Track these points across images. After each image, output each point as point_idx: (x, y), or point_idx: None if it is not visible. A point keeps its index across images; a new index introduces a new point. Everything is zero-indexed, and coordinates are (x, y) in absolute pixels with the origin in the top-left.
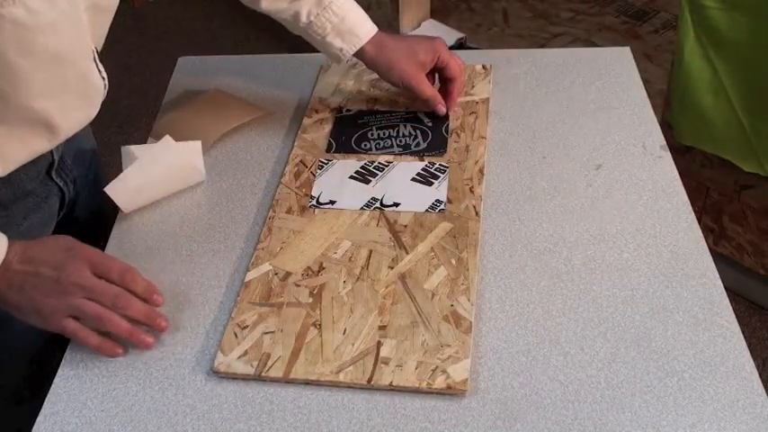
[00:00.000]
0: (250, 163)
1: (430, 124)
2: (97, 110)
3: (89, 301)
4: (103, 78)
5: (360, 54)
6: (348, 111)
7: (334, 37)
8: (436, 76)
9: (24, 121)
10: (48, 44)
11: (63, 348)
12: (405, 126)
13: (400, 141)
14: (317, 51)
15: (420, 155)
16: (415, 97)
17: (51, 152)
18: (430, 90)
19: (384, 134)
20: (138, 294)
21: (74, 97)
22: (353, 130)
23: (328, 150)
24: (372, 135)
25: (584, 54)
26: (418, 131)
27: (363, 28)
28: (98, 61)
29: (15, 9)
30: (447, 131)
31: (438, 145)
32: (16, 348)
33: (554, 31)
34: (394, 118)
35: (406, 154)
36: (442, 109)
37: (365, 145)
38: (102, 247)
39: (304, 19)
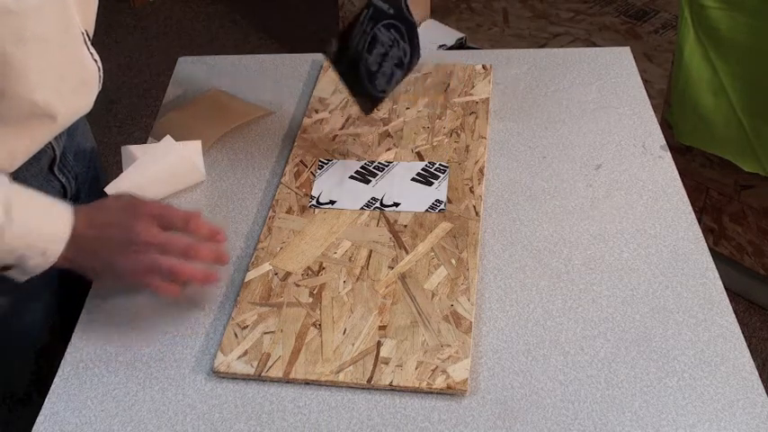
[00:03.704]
0: (250, 163)
1: (391, 11)
2: (95, 96)
3: (161, 255)
4: (96, 61)
5: None
6: (332, 48)
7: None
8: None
9: (28, 115)
10: (37, 30)
11: (66, 341)
12: (380, 31)
13: (395, 60)
14: (317, 51)
15: (411, 66)
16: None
17: (53, 147)
18: None
19: (378, 57)
20: (203, 238)
21: (70, 83)
22: (354, 68)
23: (366, 112)
24: (372, 65)
25: (584, 54)
26: (393, 31)
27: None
28: (89, 45)
29: None
30: (407, 6)
31: (413, 37)
32: (22, 344)
33: (554, 31)
34: (366, 29)
35: (406, 72)
36: None
37: (378, 83)
38: None
39: None
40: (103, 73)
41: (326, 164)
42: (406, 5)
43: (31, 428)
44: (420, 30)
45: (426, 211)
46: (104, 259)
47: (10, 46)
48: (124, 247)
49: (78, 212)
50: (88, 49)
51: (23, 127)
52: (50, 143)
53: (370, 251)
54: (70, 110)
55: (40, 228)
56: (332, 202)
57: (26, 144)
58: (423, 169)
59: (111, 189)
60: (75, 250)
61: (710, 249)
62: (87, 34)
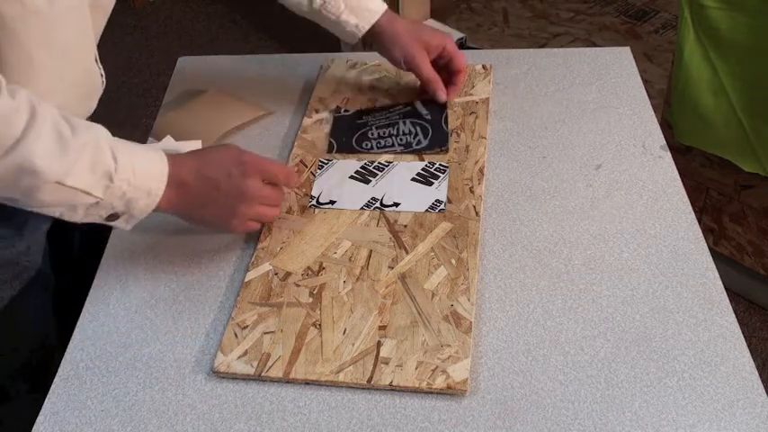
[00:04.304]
0: None
1: (428, 117)
2: (95, 106)
3: (262, 206)
4: (102, 75)
5: (369, 29)
6: (346, 111)
7: (348, 14)
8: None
9: None
10: (60, 34)
11: (65, 342)
12: (404, 123)
13: (401, 140)
14: (318, 51)
15: (422, 153)
16: (414, 87)
17: None
18: (431, 72)
19: (384, 133)
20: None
21: (79, 91)
22: (353, 130)
23: (329, 151)
24: (372, 134)
25: (584, 54)
26: (418, 128)
27: (375, 2)
28: (98, 59)
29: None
30: (446, 124)
31: (440, 141)
32: (19, 341)
33: (554, 31)
34: (393, 115)
35: (408, 152)
36: (442, 95)
37: (366, 144)
38: (103, 248)
39: (318, 0)
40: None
41: (326, 164)
42: (446, 119)
43: (23, 427)
44: None
45: (426, 211)
46: (214, 212)
47: (36, 49)
48: (235, 202)
49: (184, 160)
50: (97, 62)
51: None
52: None
53: (370, 251)
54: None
55: (142, 167)
56: (332, 202)
57: None
58: (423, 169)
59: None
60: (182, 197)
61: (710, 249)
62: (95, 48)
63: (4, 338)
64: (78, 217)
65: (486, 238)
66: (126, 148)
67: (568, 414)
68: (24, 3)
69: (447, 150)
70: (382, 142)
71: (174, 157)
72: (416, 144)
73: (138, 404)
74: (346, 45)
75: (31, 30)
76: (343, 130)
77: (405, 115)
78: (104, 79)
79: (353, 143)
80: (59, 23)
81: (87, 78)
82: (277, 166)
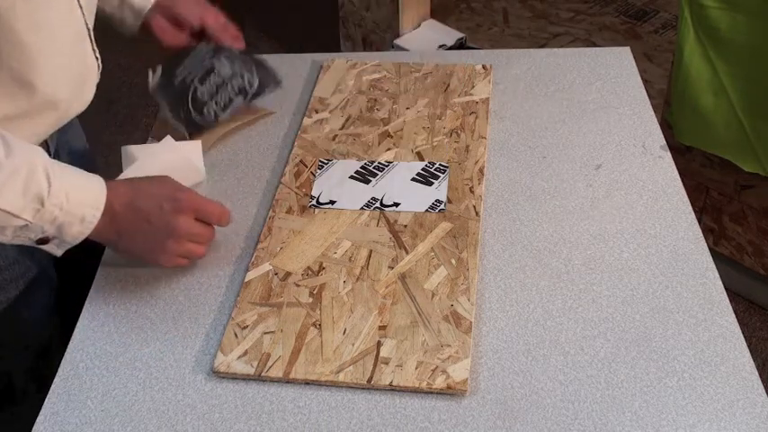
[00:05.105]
0: (250, 163)
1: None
2: (93, 92)
3: (192, 243)
4: (97, 59)
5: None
6: (160, 73)
7: None
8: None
9: (39, 107)
10: (48, 16)
11: (65, 341)
12: (219, 60)
13: (233, 87)
14: (317, 51)
15: (256, 96)
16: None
17: (47, 144)
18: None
19: (211, 86)
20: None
21: (73, 75)
22: (182, 95)
23: (190, 134)
24: (202, 95)
25: (584, 54)
26: (236, 62)
27: None
28: (93, 40)
29: None
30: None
31: (268, 77)
32: (24, 340)
33: (554, 31)
34: (202, 58)
35: (252, 99)
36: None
37: (207, 112)
38: (102, 249)
39: None
40: (102, 70)
41: (326, 164)
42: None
43: (28, 428)
44: (420, 30)
45: (426, 211)
46: (142, 245)
47: (27, 34)
48: (164, 237)
49: (118, 188)
50: (92, 45)
51: (31, 119)
52: (45, 140)
53: (370, 251)
54: (74, 102)
55: (78, 194)
56: (332, 202)
57: (28, 136)
58: (423, 169)
59: None
60: (113, 226)
61: (710, 249)
62: (90, 29)
63: (11, 336)
64: (6, 238)
65: (486, 238)
66: (64, 173)
67: (568, 414)
68: None
69: (281, 84)
70: (220, 101)
71: (110, 185)
72: (251, 88)
73: (138, 404)
74: (346, 45)
75: (18, 13)
76: (173, 101)
77: (214, 52)
78: (100, 63)
79: (193, 115)
80: (43, 6)
81: (80, 63)
82: (211, 206)
